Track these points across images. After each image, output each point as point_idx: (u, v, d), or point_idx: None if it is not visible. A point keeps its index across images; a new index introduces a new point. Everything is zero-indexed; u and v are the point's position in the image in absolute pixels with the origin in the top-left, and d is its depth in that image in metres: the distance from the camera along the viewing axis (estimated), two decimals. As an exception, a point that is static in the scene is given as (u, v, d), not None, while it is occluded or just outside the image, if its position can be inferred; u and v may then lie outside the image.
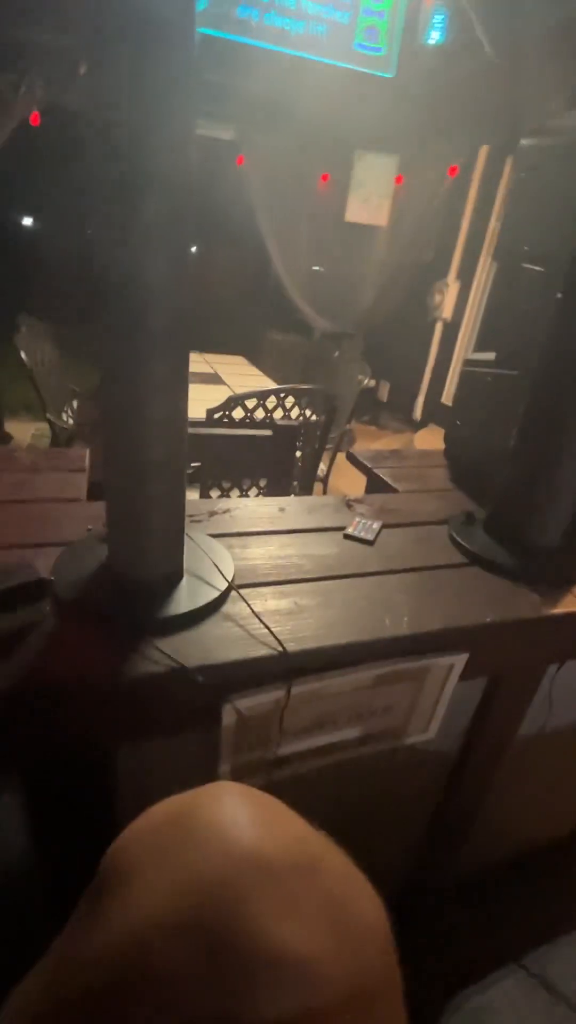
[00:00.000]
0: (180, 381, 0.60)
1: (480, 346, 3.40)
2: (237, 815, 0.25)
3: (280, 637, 0.68)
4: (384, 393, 4.63)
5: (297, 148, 3.34)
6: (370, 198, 3.58)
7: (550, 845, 1.40)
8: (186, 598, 0.71)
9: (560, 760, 1.21)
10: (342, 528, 0.99)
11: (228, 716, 0.67)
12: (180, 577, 0.74)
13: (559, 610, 0.85)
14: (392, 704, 0.82)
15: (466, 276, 3.72)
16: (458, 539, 1.00)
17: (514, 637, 0.85)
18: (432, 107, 2.77)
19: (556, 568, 0.94)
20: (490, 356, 1.23)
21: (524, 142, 1.11)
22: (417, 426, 4.27)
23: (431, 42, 2.43)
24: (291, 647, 0.68)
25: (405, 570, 0.90)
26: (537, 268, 1.00)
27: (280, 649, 0.67)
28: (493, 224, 3.36)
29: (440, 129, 3.08)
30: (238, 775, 0.74)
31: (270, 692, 0.68)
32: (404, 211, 3.68)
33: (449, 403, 3.97)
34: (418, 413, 4.29)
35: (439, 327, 4.01)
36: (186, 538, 0.79)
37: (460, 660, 0.80)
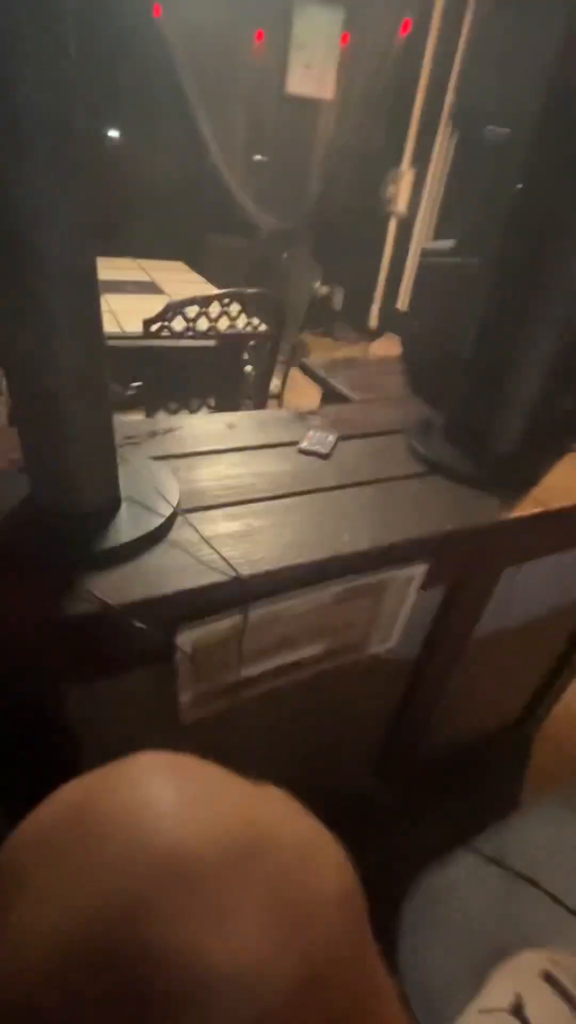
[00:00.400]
0: (82, 264, 0.49)
1: (439, 237, 3.17)
2: (153, 799, 0.20)
3: (233, 562, 0.64)
4: (338, 301, 4.37)
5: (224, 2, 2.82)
6: (313, 63, 3.13)
7: (499, 730, 1.53)
8: (126, 528, 0.64)
9: (513, 655, 1.27)
10: (296, 443, 0.93)
11: (183, 647, 0.63)
12: (117, 506, 0.66)
13: (519, 514, 0.84)
14: (353, 619, 0.81)
15: (422, 162, 3.40)
16: (416, 447, 0.95)
17: (474, 544, 0.83)
18: None
19: (516, 472, 0.92)
20: (448, 244, 1.12)
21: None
22: (373, 336, 4.10)
23: None
24: (245, 571, 0.63)
25: (363, 483, 0.86)
26: (502, 132, 0.88)
27: (233, 574, 0.62)
28: (451, 97, 3.02)
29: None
30: (200, 703, 0.72)
31: (225, 619, 0.64)
32: (352, 80, 3.25)
33: (406, 308, 3.78)
34: (374, 322, 4.11)
35: (393, 224, 3.72)
36: (123, 462, 0.71)
37: (420, 570, 0.79)
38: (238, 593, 0.63)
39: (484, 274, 0.91)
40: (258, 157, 3.49)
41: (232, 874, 0.19)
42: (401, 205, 3.55)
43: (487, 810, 0.79)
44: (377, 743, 1.20)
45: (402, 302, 3.77)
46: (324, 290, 4.01)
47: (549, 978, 0.58)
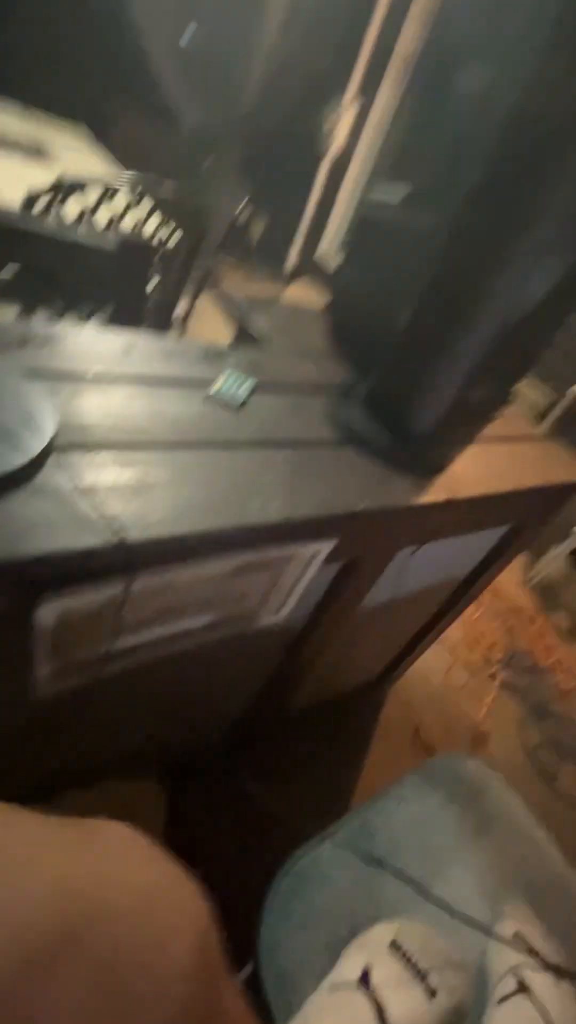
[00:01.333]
0: None
1: (374, 181, 2.99)
2: None
3: (119, 522, 0.52)
4: (256, 232, 4.05)
5: None
6: None
7: (360, 687, 1.62)
8: (-24, 462, 0.49)
9: (388, 624, 1.32)
10: (205, 384, 0.80)
11: (45, 619, 0.51)
12: (-34, 430, 0.50)
13: (427, 499, 0.82)
14: (247, 591, 0.74)
15: (368, 97, 3.18)
16: (336, 413, 0.88)
17: (380, 524, 0.80)
18: None
19: (429, 455, 0.90)
20: (397, 194, 1.03)
21: None
22: (290, 277, 3.90)
23: None
24: (133, 535, 0.52)
25: (277, 444, 0.77)
26: (479, 80, 0.79)
27: (116, 538, 0.51)
28: (411, 33, 2.81)
29: None
30: (60, 676, 0.61)
31: (102, 589, 0.53)
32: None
33: (326, 256, 3.62)
34: (292, 261, 3.89)
35: (327, 163, 3.49)
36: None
37: (326, 547, 0.74)
38: (120, 561, 0.52)
39: (433, 238, 0.84)
40: (190, 35, 2.98)
41: (42, 976, 0.15)
42: (339, 140, 3.31)
43: (342, 775, 0.81)
44: (243, 708, 1.18)
45: (327, 247, 3.61)
46: (245, 215, 3.67)
47: (394, 946, 0.61)
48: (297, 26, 3.09)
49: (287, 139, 3.44)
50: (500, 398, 1.20)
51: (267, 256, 4.01)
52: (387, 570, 1.00)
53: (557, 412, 2.79)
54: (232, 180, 2.63)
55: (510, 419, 1.24)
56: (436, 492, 0.84)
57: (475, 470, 0.96)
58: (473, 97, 0.81)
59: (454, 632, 2.25)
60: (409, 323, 0.85)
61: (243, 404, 0.81)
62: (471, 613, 2.39)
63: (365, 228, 1.10)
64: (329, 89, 3.31)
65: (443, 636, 2.18)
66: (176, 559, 0.57)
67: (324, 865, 0.65)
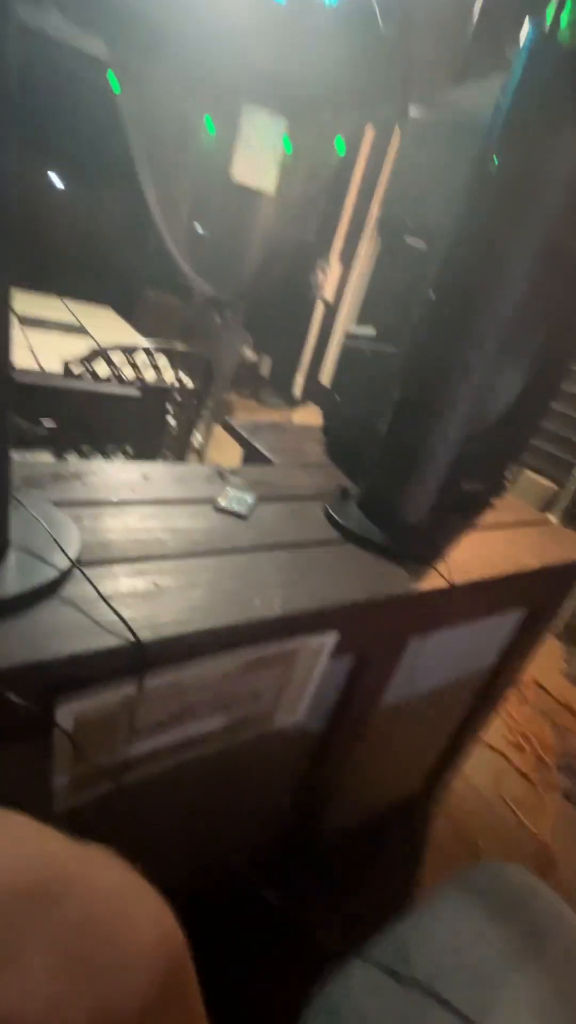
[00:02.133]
0: None
1: (361, 324, 3.48)
2: None
3: (133, 624, 0.58)
4: (265, 369, 4.57)
5: (179, 88, 3.05)
6: (258, 160, 3.43)
7: (402, 803, 1.50)
8: (12, 578, 0.57)
9: (415, 726, 1.27)
10: (213, 500, 0.90)
11: (62, 721, 0.55)
12: (4, 552, 0.59)
13: (425, 586, 0.86)
14: (260, 689, 0.76)
15: (347, 258, 3.77)
16: (333, 515, 0.97)
17: (383, 613, 0.84)
18: (322, 69, 2.70)
19: (423, 545, 0.96)
20: (370, 331, 1.21)
21: (413, 114, 1.09)
22: (296, 404, 4.29)
23: (328, 1, 2.35)
24: (146, 635, 0.58)
25: (278, 546, 0.84)
26: (419, 243, 0.99)
27: (131, 638, 0.57)
28: (375, 208, 3.43)
29: (329, 99, 3.04)
30: (79, 786, 0.63)
31: (118, 689, 0.58)
32: (291, 182, 3.59)
33: (327, 383, 4.04)
34: (297, 391, 4.32)
35: (320, 307, 4.03)
36: (17, 505, 0.65)
37: (331, 639, 0.77)
38: (136, 660, 0.57)
39: (398, 362, 0.98)
40: (200, 231, 3.68)
41: (17, 917, 0.18)
42: (328, 293, 3.87)
43: (387, 900, 0.74)
44: (273, 827, 1.12)
45: (325, 376, 4.02)
46: (253, 356, 4.18)
47: None
48: (286, 211, 3.79)
49: (286, 293, 4.01)
50: (491, 488, 1.28)
51: (276, 386, 4.47)
52: (403, 664, 1.01)
53: (565, 500, 2.84)
54: (238, 331, 3.06)
55: (510, 506, 1.30)
56: (434, 580, 0.88)
57: (474, 556, 1.00)
58: (414, 259, 1.00)
59: (500, 736, 2.10)
60: (389, 431, 0.96)
61: (247, 514, 0.90)
62: (515, 712, 2.24)
63: (347, 356, 1.28)
64: (317, 252, 3.94)
65: (490, 741, 2.03)
66: (186, 656, 0.62)
67: (356, 993, 0.59)
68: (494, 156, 0.73)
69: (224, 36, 2.51)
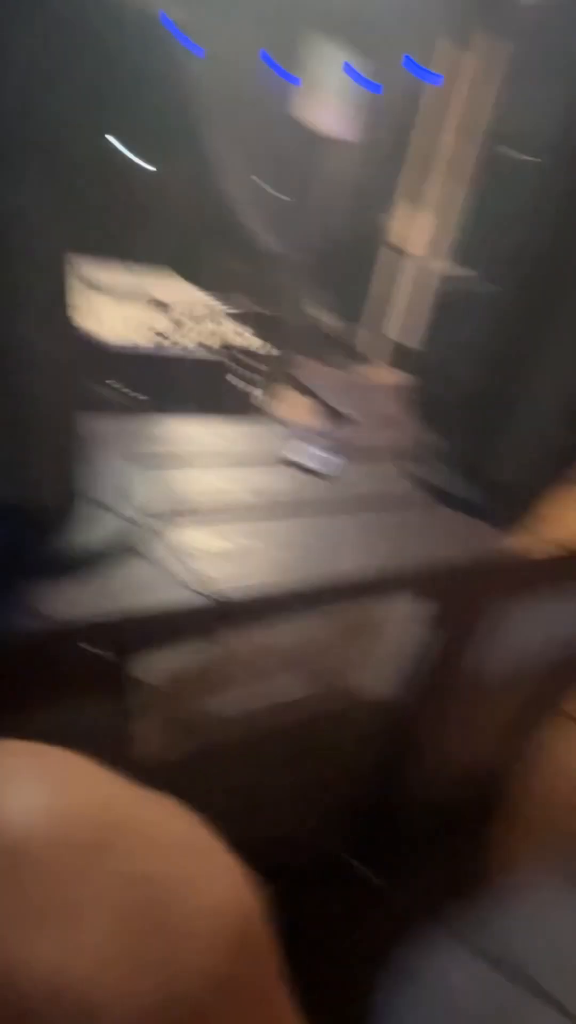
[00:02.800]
0: (51, 236, 0.42)
1: (454, 266, 3.18)
2: (7, 783, 0.17)
3: (210, 580, 0.55)
4: (333, 323, 4.39)
5: (248, 36, 2.87)
6: (331, 101, 3.19)
7: (485, 778, 1.43)
8: (84, 532, 0.55)
9: (503, 701, 1.19)
10: (290, 459, 0.85)
11: (144, 677, 0.54)
12: (78, 506, 0.57)
13: (517, 549, 0.77)
14: (343, 656, 0.72)
15: (434, 200, 3.47)
16: (418, 473, 0.89)
17: (474, 577, 0.76)
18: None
19: (517, 504, 0.86)
20: (469, 274, 1.08)
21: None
22: (367, 360, 4.11)
23: None
24: (224, 593, 0.54)
25: (362, 507, 0.78)
26: (533, 159, 0.85)
27: (209, 595, 0.53)
28: (466, 139, 3.08)
29: (414, 26, 2.73)
30: (156, 744, 0.62)
31: (198, 646, 0.55)
32: (378, 122, 3.32)
33: (399, 338, 3.81)
34: (367, 346, 4.13)
35: (393, 258, 3.78)
36: (93, 461, 0.63)
37: (416, 603, 0.71)
38: (213, 617, 0.54)
39: (502, 305, 0.86)
40: (261, 180, 3.53)
41: (71, 867, 0.16)
42: (415, 246, 3.60)
43: (470, 873, 0.70)
44: (357, 798, 1.09)
45: (400, 330, 3.79)
46: (322, 315, 4.02)
47: None
48: (346, 150, 3.54)
49: (356, 246, 3.80)
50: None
51: (344, 343, 4.30)
52: (495, 633, 0.93)
53: None
54: (304, 287, 2.94)
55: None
56: (529, 540, 0.79)
57: (569, 516, 0.89)
58: (529, 170, 0.86)
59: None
60: (485, 378, 0.86)
61: (329, 473, 0.84)
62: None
63: (438, 303, 1.16)
64: (385, 191, 3.66)
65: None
66: (267, 616, 0.59)
67: (444, 970, 0.55)
68: None
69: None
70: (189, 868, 0.19)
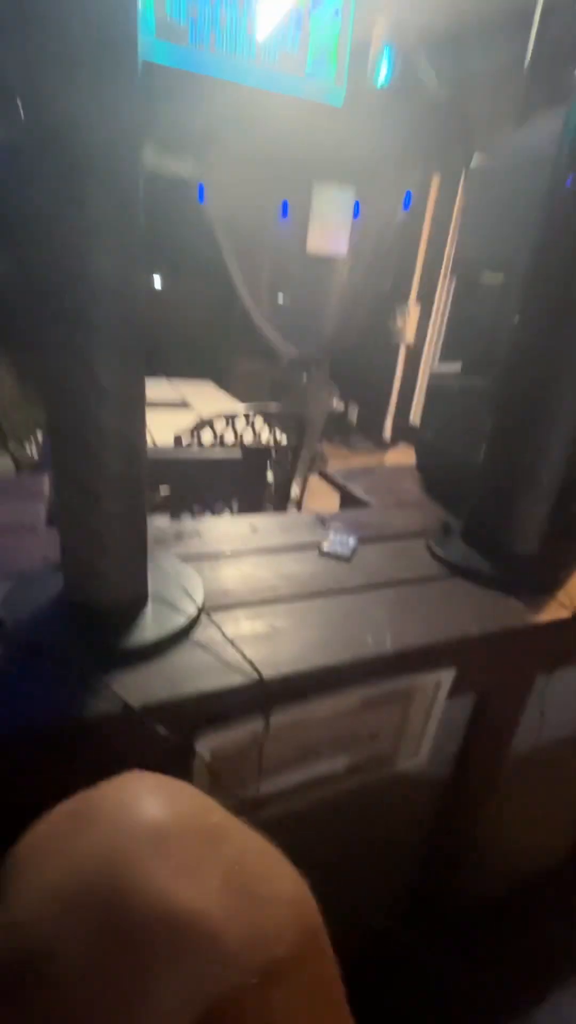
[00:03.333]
0: (133, 385, 0.56)
1: (444, 361, 3.46)
2: (138, 795, 0.25)
3: (255, 663, 0.63)
4: (354, 416, 4.67)
5: (256, 181, 3.42)
6: (328, 228, 3.68)
7: (546, 872, 1.34)
8: (151, 626, 0.65)
9: (556, 777, 1.16)
10: (317, 545, 0.95)
11: (202, 753, 0.60)
12: (144, 603, 0.68)
13: (544, 617, 0.82)
14: (379, 729, 0.77)
15: (426, 298, 3.83)
16: (436, 551, 0.97)
17: (501, 648, 0.81)
18: (384, 139, 2.89)
19: (538, 575, 0.92)
20: (455, 367, 1.23)
21: (475, 163, 1.14)
22: (387, 447, 4.31)
23: (379, 81, 2.55)
24: (268, 673, 0.62)
25: (385, 585, 0.86)
26: (495, 278, 1.01)
27: (256, 676, 0.61)
28: (449, 247, 3.48)
29: (393, 160, 3.22)
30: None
31: (247, 724, 0.62)
32: (363, 241, 3.79)
33: (416, 422, 4.02)
34: (387, 433, 4.34)
35: (403, 349, 4.10)
36: (151, 562, 0.74)
37: (447, 676, 0.76)
38: (260, 696, 0.62)
39: (489, 393, 0.99)
40: (281, 300, 3.99)
41: (199, 845, 0.23)
42: (409, 335, 3.93)
43: (533, 979, 0.67)
44: (408, 879, 1.06)
45: (414, 416, 4.01)
46: (341, 406, 4.31)
47: None
48: (360, 267, 3.98)
49: (368, 342, 4.15)
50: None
51: (366, 432, 4.54)
52: (531, 705, 0.95)
53: None
54: (325, 385, 3.20)
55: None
56: (554, 610, 0.84)
57: (596, 583, 0.94)
58: (493, 289, 1.02)
59: None
60: (488, 459, 0.95)
61: (351, 556, 0.93)
62: None
63: (435, 396, 1.30)
64: (394, 299, 4.05)
65: None
66: (304, 694, 0.65)
67: None
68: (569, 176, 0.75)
69: (290, 137, 2.81)
70: (267, 863, 0.26)
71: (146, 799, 0.25)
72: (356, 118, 2.69)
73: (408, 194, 3.39)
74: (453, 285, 3.50)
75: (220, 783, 0.65)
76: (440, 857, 1.03)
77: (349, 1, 2.42)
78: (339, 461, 4.13)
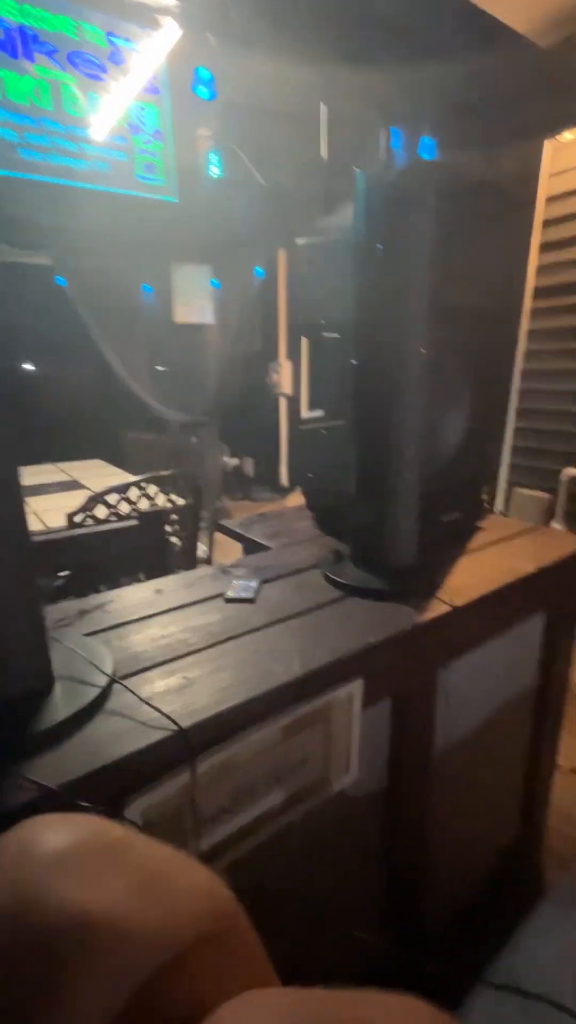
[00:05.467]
0: (5, 470, 0.59)
1: (313, 408, 3.79)
2: (36, 832, 0.27)
3: (173, 715, 0.65)
4: (250, 468, 4.84)
5: (116, 267, 3.58)
6: (192, 300, 3.93)
7: (502, 856, 1.41)
8: (61, 706, 0.65)
9: (483, 764, 1.26)
10: (222, 594, 1.00)
11: (132, 819, 0.60)
12: (51, 686, 0.68)
13: (430, 615, 0.93)
14: (307, 753, 0.80)
15: (294, 354, 4.17)
16: (331, 577, 1.05)
17: (399, 650, 0.90)
18: (226, 224, 3.21)
19: (419, 581, 1.04)
20: (320, 413, 1.38)
21: (298, 241, 1.33)
22: (287, 492, 4.50)
23: (212, 175, 2.88)
24: (186, 722, 0.65)
25: (289, 617, 0.92)
26: (332, 335, 1.17)
27: (174, 727, 0.64)
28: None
29: (239, 240, 3.56)
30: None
31: (175, 780, 0.64)
32: (227, 308, 4.09)
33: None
34: (284, 480, 4.54)
35: (283, 401, 4.38)
36: (55, 644, 0.74)
37: (358, 687, 0.83)
38: (182, 747, 0.64)
39: (346, 431, 1.13)
40: (160, 368, 4.12)
41: (102, 858, 0.26)
42: (285, 387, 4.23)
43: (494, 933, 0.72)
44: (373, 894, 1.07)
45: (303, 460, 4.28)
46: (235, 462, 4.46)
47: None
48: (229, 332, 4.26)
49: (250, 398, 4.39)
50: (472, 514, 1.38)
51: (264, 482, 4.72)
52: (441, 700, 1.04)
53: (562, 506, 2.91)
54: (215, 444, 3.32)
55: (499, 524, 1.38)
56: (438, 607, 0.95)
57: (472, 577, 1.07)
58: (335, 343, 1.18)
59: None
60: (356, 489, 1.08)
61: (255, 597, 0.99)
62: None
63: (307, 440, 1.43)
64: (268, 357, 4.36)
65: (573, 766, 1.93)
66: (227, 735, 0.68)
67: (478, 1016, 0.58)
68: (366, 251, 0.92)
69: (141, 226, 3.03)
70: (173, 864, 0.29)
71: (45, 834, 0.27)
72: (199, 207, 2.98)
73: (257, 269, 3.75)
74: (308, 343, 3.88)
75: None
76: (399, 865, 1.06)
77: (167, 125, 2.77)
78: (243, 513, 4.23)
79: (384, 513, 1.03)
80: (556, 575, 1.22)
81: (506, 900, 1.27)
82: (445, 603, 0.97)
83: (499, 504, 3.22)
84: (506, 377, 2.93)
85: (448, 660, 1.01)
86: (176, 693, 0.71)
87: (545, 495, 3.00)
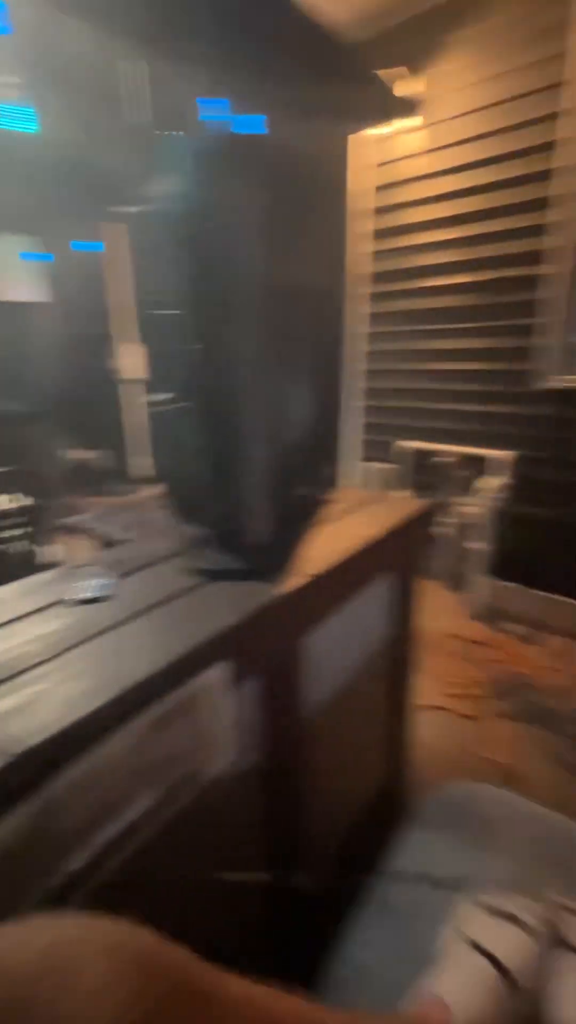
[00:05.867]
0: None
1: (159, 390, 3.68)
2: None
3: (13, 739, 0.58)
4: (103, 461, 4.53)
5: None
6: (4, 275, 3.51)
7: (382, 801, 1.55)
8: None
9: (353, 721, 1.35)
10: (71, 596, 0.92)
11: (-23, 865, 0.53)
12: None
13: (288, 587, 0.96)
14: (178, 746, 0.78)
15: (148, 336, 3.96)
16: (192, 564, 1.03)
17: (261, 627, 0.91)
18: (41, 186, 2.89)
19: (276, 556, 1.06)
20: (168, 396, 1.32)
21: (128, 211, 1.24)
22: (141, 484, 4.31)
23: (24, 130, 2.56)
24: (32, 742, 0.58)
25: (150, 609, 0.88)
26: (172, 312, 1.13)
27: (14, 753, 0.57)
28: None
29: (61, 208, 3.24)
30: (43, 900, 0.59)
31: (28, 806, 0.57)
32: (60, 285, 3.72)
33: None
34: (136, 471, 4.34)
35: (129, 388, 4.15)
36: None
37: (221, 670, 0.82)
38: (29, 769, 0.57)
39: (195, 414, 1.10)
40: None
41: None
42: (132, 372, 4.01)
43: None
44: (264, 856, 1.11)
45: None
46: (86, 455, 4.13)
47: (476, 903, 0.60)
48: (59, 315, 3.90)
49: (93, 385, 4.08)
50: (320, 488, 1.45)
51: (120, 474, 4.45)
52: (309, 667, 1.09)
53: (402, 473, 3.22)
54: (55, 437, 3.03)
55: (345, 496, 1.47)
56: (294, 579, 0.98)
57: (324, 547, 1.13)
58: (176, 321, 1.14)
59: (438, 694, 2.26)
60: (208, 472, 1.06)
61: (111, 594, 0.92)
62: (444, 668, 2.44)
63: (158, 421, 1.37)
64: (112, 340, 4.08)
65: (431, 702, 2.18)
66: (87, 743, 0.63)
67: (369, 936, 0.64)
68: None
69: None
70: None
71: None
72: (11, 166, 2.63)
73: (96, 243, 3.45)
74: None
75: (21, 878, 0.58)
76: (282, 827, 1.10)
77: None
78: (93, 511, 3.96)
79: (237, 493, 1.03)
80: (400, 536, 1.34)
81: (384, 829, 1.41)
82: (302, 575, 1.01)
83: (355, 479, 3.46)
84: (337, 353, 3.12)
85: (310, 628, 1.06)
86: (19, 713, 0.63)
87: (385, 466, 3.30)
